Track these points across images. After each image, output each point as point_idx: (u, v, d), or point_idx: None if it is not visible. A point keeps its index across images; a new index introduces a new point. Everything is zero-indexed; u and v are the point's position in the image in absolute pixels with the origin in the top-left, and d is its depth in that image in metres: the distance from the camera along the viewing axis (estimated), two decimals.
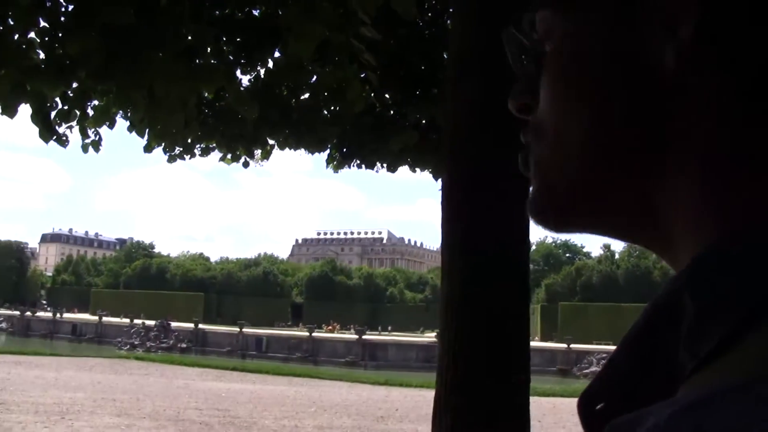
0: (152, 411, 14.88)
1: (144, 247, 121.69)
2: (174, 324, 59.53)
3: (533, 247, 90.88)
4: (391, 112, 7.93)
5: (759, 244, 0.39)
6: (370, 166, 8.59)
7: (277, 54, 6.39)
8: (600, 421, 0.44)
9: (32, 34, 5.34)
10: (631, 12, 0.47)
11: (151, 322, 59.84)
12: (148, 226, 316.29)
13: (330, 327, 76.74)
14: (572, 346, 50.06)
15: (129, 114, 6.65)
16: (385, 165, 8.49)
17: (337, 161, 8.73)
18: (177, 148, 7.72)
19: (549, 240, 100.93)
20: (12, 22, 5.20)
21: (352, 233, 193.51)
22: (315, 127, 7.26)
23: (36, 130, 5.83)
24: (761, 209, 0.42)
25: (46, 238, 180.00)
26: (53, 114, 5.99)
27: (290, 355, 51.03)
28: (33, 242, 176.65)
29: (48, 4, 5.32)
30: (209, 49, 5.84)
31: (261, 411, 15.91)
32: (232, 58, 6.41)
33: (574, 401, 0.48)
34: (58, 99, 5.96)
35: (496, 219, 3.62)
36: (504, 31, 0.56)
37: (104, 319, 66.37)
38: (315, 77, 6.49)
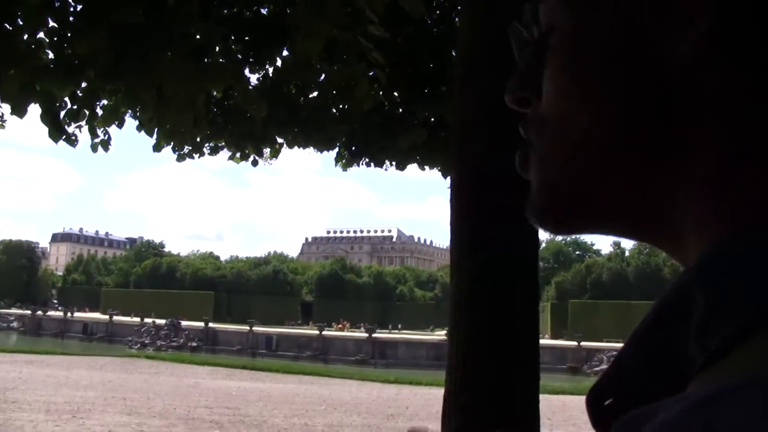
0: (162, 409, 14.93)
1: (154, 246, 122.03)
2: (184, 323, 59.71)
3: (543, 245, 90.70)
4: (400, 110, 7.93)
5: None
6: (379, 164, 8.60)
7: (285, 52, 6.40)
8: (608, 416, 0.43)
9: (41, 34, 5.37)
10: (642, 3, 0.46)
11: (161, 321, 60.04)
12: (158, 225, 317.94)
13: (340, 325, 76.78)
14: (582, 343, 49.94)
15: (138, 113, 6.66)
16: (393, 163, 8.50)
17: (346, 159, 8.74)
18: (186, 147, 7.74)
19: (559, 238, 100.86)
20: (21, 22, 5.22)
21: (361, 232, 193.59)
22: (323, 126, 7.26)
23: (45, 129, 5.85)
24: None
25: (56, 238, 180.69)
26: (62, 114, 6.01)
27: (300, 354, 51.12)
28: (43, 242, 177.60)
29: (57, 4, 5.34)
30: (217, 48, 5.85)
31: (271, 409, 15.94)
32: (240, 56, 6.42)
33: (584, 399, 0.47)
34: (67, 99, 5.98)
35: (504, 217, 3.61)
36: (510, 26, 0.56)
37: (115, 318, 66.62)
38: (323, 76, 6.50)
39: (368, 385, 24.57)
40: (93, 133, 6.57)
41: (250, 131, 7.42)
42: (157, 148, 7.37)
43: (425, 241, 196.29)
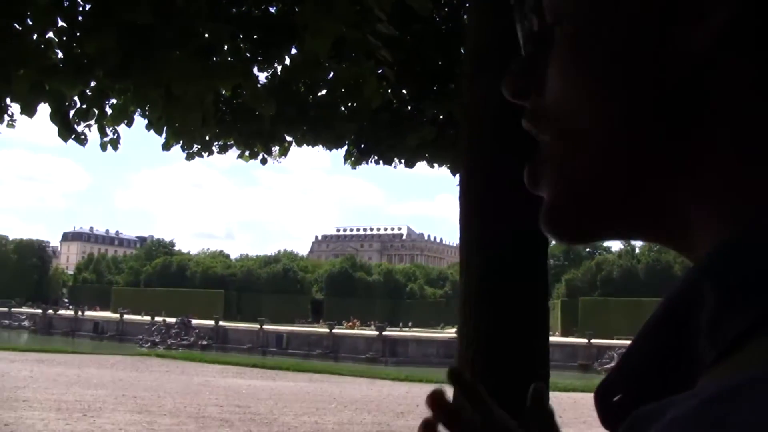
0: (173, 408, 14.97)
1: (164, 244, 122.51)
2: (194, 321, 59.86)
3: (552, 242, 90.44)
4: (408, 107, 7.93)
5: None
6: (388, 161, 8.60)
7: (293, 51, 6.41)
8: (617, 413, 0.43)
9: (50, 34, 5.40)
10: (642, 3, 0.45)
11: (171, 320, 60.21)
12: (168, 224, 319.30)
13: (350, 323, 76.85)
14: (593, 341, 49.88)
15: (147, 112, 6.69)
16: (402, 161, 8.50)
17: (355, 157, 8.74)
18: (195, 146, 7.76)
19: None
20: (30, 22, 5.24)
21: (371, 229, 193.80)
22: (332, 124, 7.27)
23: (55, 129, 5.88)
24: None
25: (67, 237, 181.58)
26: (72, 113, 6.04)
27: (311, 352, 51.20)
28: (54, 241, 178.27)
29: (66, 3, 5.36)
30: (226, 46, 5.86)
31: (281, 407, 15.97)
32: (248, 55, 6.43)
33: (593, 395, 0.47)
34: (76, 98, 6.01)
35: (513, 214, 3.60)
36: (517, 12, 0.55)
37: (125, 316, 66.90)
38: (332, 74, 6.51)
39: (379, 383, 24.56)
40: (102, 132, 6.60)
41: (258, 130, 7.43)
42: (166, 146, 7.39)
43: (435, 238, 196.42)
